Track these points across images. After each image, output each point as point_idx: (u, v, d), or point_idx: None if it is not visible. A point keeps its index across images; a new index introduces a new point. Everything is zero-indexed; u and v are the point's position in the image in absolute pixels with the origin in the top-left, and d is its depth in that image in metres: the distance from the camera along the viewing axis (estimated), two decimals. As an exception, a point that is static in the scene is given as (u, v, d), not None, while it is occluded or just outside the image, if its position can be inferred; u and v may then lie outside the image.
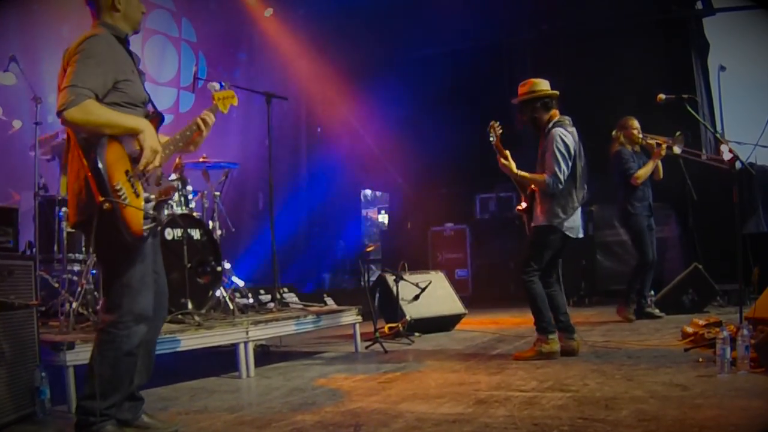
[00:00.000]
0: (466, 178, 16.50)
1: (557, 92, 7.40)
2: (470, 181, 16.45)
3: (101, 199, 4.12)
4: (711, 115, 14.68)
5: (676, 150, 9.90)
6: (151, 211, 4.38)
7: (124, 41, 4.57)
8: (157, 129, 4.55)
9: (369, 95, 16.14)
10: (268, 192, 9.15)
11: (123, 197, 4.19)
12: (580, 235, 7.37)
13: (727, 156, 7.67)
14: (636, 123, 10.08)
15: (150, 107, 4.70)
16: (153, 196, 4.43)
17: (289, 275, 14.53)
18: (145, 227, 4.30)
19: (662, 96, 7.84)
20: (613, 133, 10.19)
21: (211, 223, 8.56)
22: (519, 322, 10.56)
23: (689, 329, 7.43)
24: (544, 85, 7.44)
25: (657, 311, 10.03)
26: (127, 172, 4.29)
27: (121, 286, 4.40)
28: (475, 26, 15.78)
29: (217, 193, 8.93)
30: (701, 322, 7.42)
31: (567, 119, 7.31)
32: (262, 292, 9.31)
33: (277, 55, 15.73)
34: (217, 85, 5.32)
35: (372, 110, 16.58)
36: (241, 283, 9.15)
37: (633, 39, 14.64)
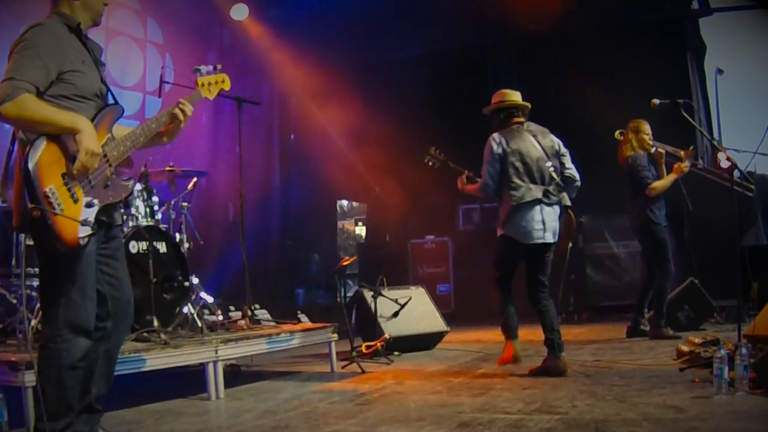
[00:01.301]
0: (448, 188, 16.43)
1: (526, 104, 7.82)
2: (453, 190, 16.40)
3: (31, 205, 4.07)
4: (707, 121, 14.71)
5: (685, 167, 9.74)
6: (92, 218, 4.30)
7: (77, 30, 4.53)
8: (113, 122, 4.54)
9: (345, 100, 16.13)
10: (238, 202, 9.14)
11: (57, 203, 4.13)
12: (536, 241, 7.52)
13: (724, 164, 7.70)
14: (648, 128, 9.85)
15: (110, 99, 4.67)
16: (97, 201, 4.36)
17: (261, 291, 14.47)
18: (82, 236, 4.23)
19: (656, 101, 7.85)
20: (616, 133, 10.06)
21: (178, 236, 8.54)
22: (504, 340, 10.56)
23: (684, 348, 7.42)
24: (513, 96, 7.92)
25: (670, 330, 9.76)
26: (64, 175, 4.23)
27: (59, 298, 4.34)
28: (456, 27, 15.81)
29: (185, 204, 8.90)
30: (697, 340, 7.43)
31: (521, 126, 7.80)
32: (232, 308, 9.27)
33: (249, 58, 15.71)
34: (205, 69, 5.23)
35: (348, 116, 16.57)
36: (210, 299, 9.12)
37: (625, 40, 14.60)
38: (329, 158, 17.41)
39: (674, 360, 7.49)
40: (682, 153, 9.82)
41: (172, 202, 8.79)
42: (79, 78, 4.42)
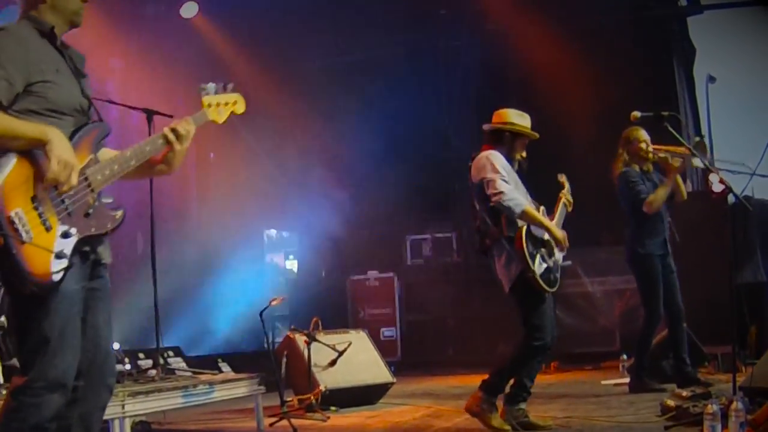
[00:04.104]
0: (393, 216, 16.56)
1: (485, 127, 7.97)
2: (399, 219, 16.53)
3: None
4: (697, 137, 14.79)
5: (697, 162, 9.54)
6: (68, 250, 4.16)
7: (50, 35, 4.45)
8: (96, 141, 4.45)
9: (273, 114, 16.14)
10: (148, 232, 9.12)
11: (24, 230, 4.00)
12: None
13: (717, 188, 7.74)
14: (643, 134, 9.61)
15: (94, 116, 4.58)
16: (75, 231, 4.23)
17: (176, 335, 14.40)
18: (55, 270, 4.08)
19: (637, 113, 7.82)
20: (618, 150, 9.84)
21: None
22: (459, 393, 10.60)
23: (671, 402, 7.44)
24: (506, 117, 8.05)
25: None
26: (34, 198, 4.09)
27: (34, 343, 4.20)
28: (402, 27, 15.93)
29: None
30: (685, 393, 7.50)
31: None
32: (141, 356, 9.25)
33: (161, 65, 15.69)
34: (213, 87, 5.06)
35: (277, 132, 16.60)
36: (115, 345, 9.05)
37: (601, 42, 14.56)
38: (255, 181, 17.38)
39: (658, 416, 7.50)
40: (683, 149, 9.56)
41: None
42: (52, 90, 4.32)
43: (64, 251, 4.14)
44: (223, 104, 5.04)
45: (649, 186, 9.59)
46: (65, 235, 4.17)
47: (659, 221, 9.62)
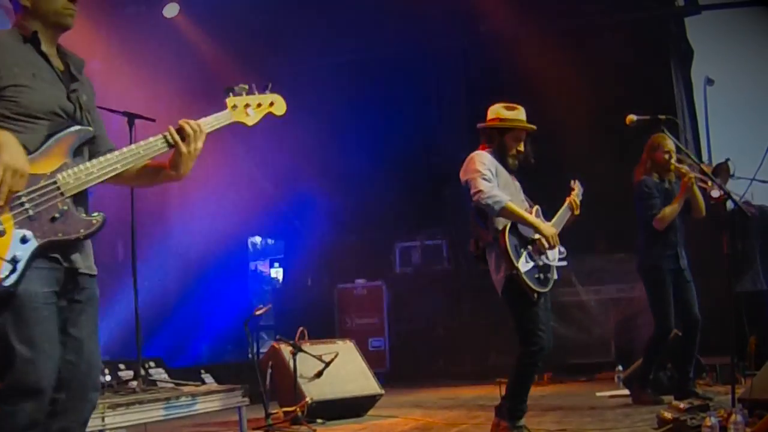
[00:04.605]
0: (382, 223, 16.55)
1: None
2: (388, 225, 16.52)
3: None
4: (695, 141, 14.78)
5: (715, 193, 8.54)
6: (25, 256, 4.10)
7: (32, 39, 4.45)
8: (74, 145, 4.39)
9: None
10: (129, 238, 9.10)
11: None
12: None
13: (715, 194, 7.72)
14: (669, 143, 9.33)
15: (83, 121, 4.51)
16: (34, 236, 4.17)
17: (157, 346, 14.38)
18: (4, 275, 4.04)
19: (633, 117, 7.80)
20: (643, 156, 9.69)
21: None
22: (449, 405, 10.61)
23: (667, 414, 7.44)
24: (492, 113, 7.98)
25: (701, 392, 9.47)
26: None
27: (2, 348, 4.16)
28: (392, 29, 15.93)
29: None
30: (683, 406, 7.50)
31: None
32: (122, 367, 9.22)
33: (142, 67, 15.67)
34: (239, 89, 4.83)
35: (261, 134, 16.57)
36: (94, 355, 9.05)
37: (595, 43, 14.57)
38: (238, 186, 17.36)
39: (655, 429, 7.53)
40: (702, 166, 9.32)
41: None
42: (26, 94, 4.30)
43: (17, 256, 4.10)
44: (255, 105, 4.89)
45: (664, 199, 9.48)
46: (23, 240, 4.13)
47: (672, 234, 9.51)
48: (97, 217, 4.41)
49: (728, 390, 6.61)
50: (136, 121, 9.27)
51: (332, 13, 15.97)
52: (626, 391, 10.10)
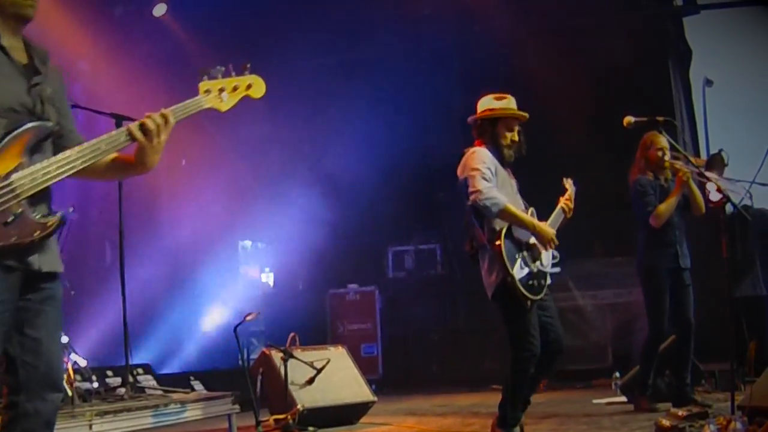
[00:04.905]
0: (375, 227, 16.54)
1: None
2: (380, 229, 16.50)
3: None
4: (694, 143, 14.76)
5: (714, 197, 8.85)
6: None
7: None
8: (30, 142, 4.27)
9: (246, 115, 16.11)
10: (117, 242, 9.08)
11: None
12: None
13: (714, 197, 7.71)
14: (663, 141, 9.26)
15: (44, 115, 4.41)
16: None
17: (146, 352, 14.37)
18: None
19: (630, 119, 7.81)
20: (636, 155, 9.65)
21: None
22: (443, 412, 10.60)
23: (666, 422, 7.43)
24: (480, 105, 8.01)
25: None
26: None
27: None
28: (385, 29, 15.93)
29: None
30: (681, 413, 7.49)
31: None
32: (109, 373, 9.22)
33: (130, 67, 15.66)
34: (216, 71, 4.70)
35: (251, 134, 16.55)
36: (82, 362, 9.04)
37: (592, 43, 14.51)
38: (229, 188, 17.33)
39: (653, 437, 7.55)
40: (695, 159, 9.34)
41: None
42: None
43: None
44: (231, 89, 4.73)
45: (660, 197, 9.40)
46: None
47: (671, 232, 9.45)
48: (52, 218, 4.28)
49: (727, 397, 6.60)
50: (124, 122, 9.23)
51: (323, 14, 15.97)
52: (623, 398, 10.08)
